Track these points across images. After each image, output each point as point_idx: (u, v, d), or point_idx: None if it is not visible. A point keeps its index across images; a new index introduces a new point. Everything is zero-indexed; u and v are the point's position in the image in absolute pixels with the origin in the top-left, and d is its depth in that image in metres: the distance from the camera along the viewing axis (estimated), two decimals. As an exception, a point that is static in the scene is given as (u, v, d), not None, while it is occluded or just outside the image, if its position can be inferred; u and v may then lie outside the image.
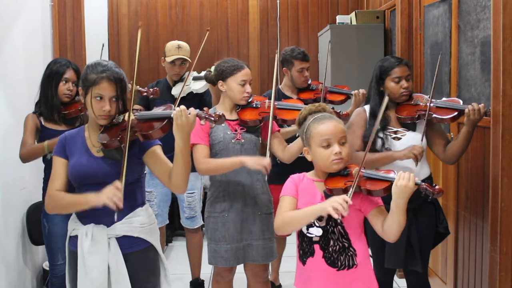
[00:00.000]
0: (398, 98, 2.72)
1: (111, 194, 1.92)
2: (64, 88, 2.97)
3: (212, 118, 2.02)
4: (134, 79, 2.12)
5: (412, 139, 2.65)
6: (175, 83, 3.71)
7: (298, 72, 3.50)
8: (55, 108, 2.94)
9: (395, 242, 2.04)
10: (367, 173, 2.01)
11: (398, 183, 1.86)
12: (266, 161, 2.50)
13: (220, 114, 2.04)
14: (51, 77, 2.96)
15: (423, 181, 1.94)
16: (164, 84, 3.74)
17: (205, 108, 2.10)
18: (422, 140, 2.61)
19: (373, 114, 2.72)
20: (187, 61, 3.67)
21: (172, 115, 1.99)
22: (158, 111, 2.14)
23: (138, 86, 3.12)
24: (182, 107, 1.98)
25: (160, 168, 2.14)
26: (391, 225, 1.93)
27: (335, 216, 1.83)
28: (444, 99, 2.77)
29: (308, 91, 3.55)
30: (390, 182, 1.93)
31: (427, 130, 2.69)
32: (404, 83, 2.69)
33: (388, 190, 1.94)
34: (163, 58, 3.71)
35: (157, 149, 2.16)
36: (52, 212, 2.16)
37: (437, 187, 1.89)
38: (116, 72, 2.09)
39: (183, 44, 3.69)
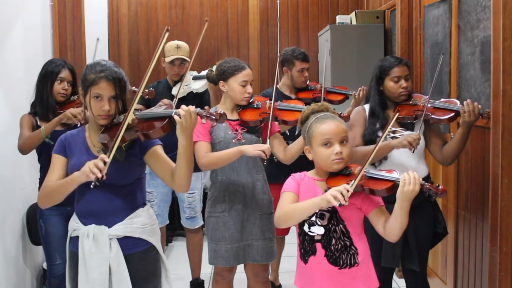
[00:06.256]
0: (397, 98, 2.73)
1: (92, 164, 1.91)
2: (59, 88, 2.99)
3: (213, 117, 2.02)
4: (141, 87, 2.12)
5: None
6: (175, 83, 3.70)
7: (299, 72, 3.54)
8: (50, 108, 2.96)
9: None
10: (369, 173, 2.02)
11: (405, 189, 1.85)
12: (266, 146, 2.53)
13: (221, 112, 2.05)
14: (46, 77, 2.99)
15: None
16: (164, 84, 3.74)
17: (206, 107, 2.09)
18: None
19: (373, 113, 2.74)
20: (187, 61, 3.66)
21: (173, 114, 1.98)
22: (158, 110, 2.13)
23: (134, 87, 3.12)
24: (190, 107, 1.97)
25: (162, 168, 2.14)
26: (394, 226, 1.94)
27: (335, 203, 1.82)
28: (442, 99, 2.77)
29: (306, 91, 3.59)
30: (393, 182, 1.93)
31: (424, 131, 2.71)
32: (403, 82, 2.70)
33: (391, 190, 1.94)
34: (162, 58, 3.70)
35: (158, 148, 2.15)
36: (44, 205, 2.15)
37: (440, 187, 1.88)
38: (115, 72, 2.08)
39: (182, 44, 3.69)
